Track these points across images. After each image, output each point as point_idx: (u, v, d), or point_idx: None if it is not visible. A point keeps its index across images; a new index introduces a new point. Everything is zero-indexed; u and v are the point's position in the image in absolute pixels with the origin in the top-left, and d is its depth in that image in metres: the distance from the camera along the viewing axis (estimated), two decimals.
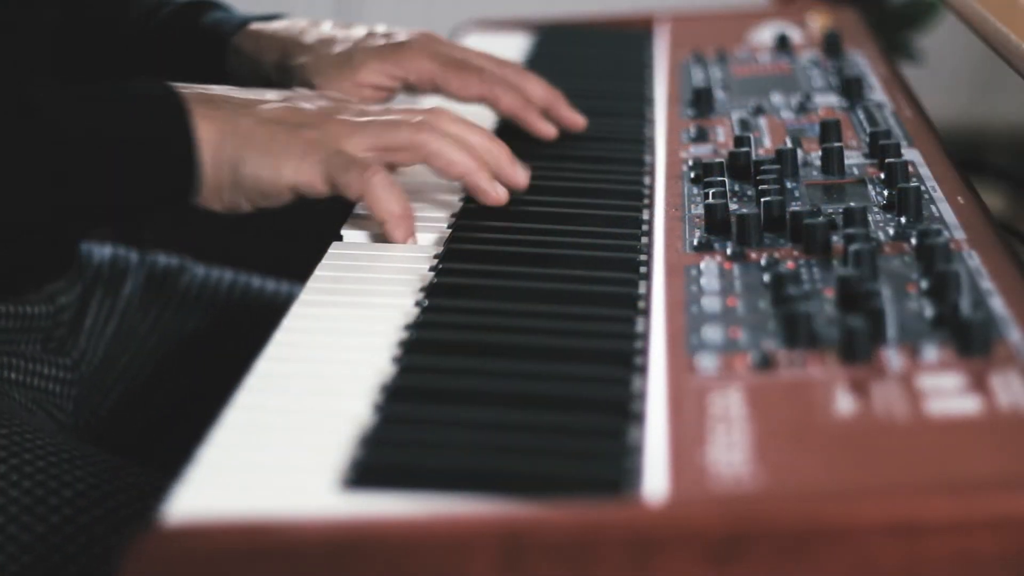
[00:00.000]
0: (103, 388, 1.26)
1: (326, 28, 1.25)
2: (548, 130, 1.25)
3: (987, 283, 0.87)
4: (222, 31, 1.26)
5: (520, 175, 1.10)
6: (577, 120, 1.26)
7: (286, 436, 0.78)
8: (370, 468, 0.74)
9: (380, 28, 1.26)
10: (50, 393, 1.20)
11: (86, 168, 0.98)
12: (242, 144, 1.01)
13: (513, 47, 1.59)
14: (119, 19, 1.30)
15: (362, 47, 1.23)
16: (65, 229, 1.06)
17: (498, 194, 1.08)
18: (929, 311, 0.84)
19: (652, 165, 1.20)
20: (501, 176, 1.09)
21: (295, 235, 1.39)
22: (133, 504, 1.00)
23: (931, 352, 0.79)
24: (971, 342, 0.79)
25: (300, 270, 1.03)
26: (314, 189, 1.02)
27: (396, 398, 0.82)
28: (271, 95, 1.06)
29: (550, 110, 1.25)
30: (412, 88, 1.24)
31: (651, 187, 1.14)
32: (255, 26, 1.26)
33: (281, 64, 1.23)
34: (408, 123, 1.05)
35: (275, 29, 1.26)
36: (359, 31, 1.25)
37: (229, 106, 1.03)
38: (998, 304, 0.84)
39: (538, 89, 1.25)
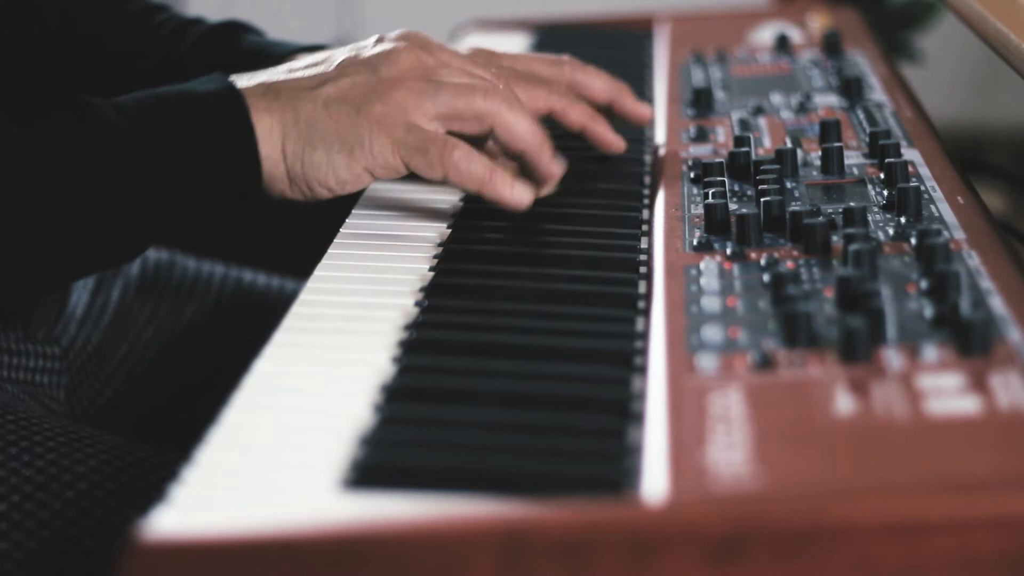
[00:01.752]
0: (101, 377, 1.25)
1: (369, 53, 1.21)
2: (617, 143, 1.18)
3: (987, 283, 0.87)
4: (260, 63, 1.19)
5: (557, 166, 1.07)
6: (644, 112, 1.22)
7: (285, 436, 0.78)
8: (370, 468, 0.74)
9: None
10: (38, 385, 1.19)
11: (148, 177, 0.97)
12: (307, 133, 0.99)
13: (513, 47, 1.59)
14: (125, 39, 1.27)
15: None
16: (136, 240, 1.01)
17: (553, 171, 1.06)
18: (929, 311, 0.84)
19: (652, 165, 1.20)
20: (543, 164, 1.06)
21: (286, 228, 1.39)
22: (146, 477, 1.00)
23: (931, 352, 0.79)
24: (971, 342, 0.79)
25: (291, 264, 1.02)
26: (393, 171, 1.01)
27: (396, 398, 0.82)
28: (334, 67, 1.03)
29: (614, 104, 1.21)
30: None
31: (651, 187, 1.14)
32: (295, 57, 1.19)
33: None
34: (481, 89, 1.03)
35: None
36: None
37: (290, 93, 1.00)
38: (998, 304, 0.84)
39: (600, 83, 1.21)
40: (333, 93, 1.00)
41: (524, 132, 1.04)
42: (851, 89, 1.27)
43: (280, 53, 1.21)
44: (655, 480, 0.71)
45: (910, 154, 1.11)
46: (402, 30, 1.07)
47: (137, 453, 1.02)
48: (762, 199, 0.99)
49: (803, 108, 1.25)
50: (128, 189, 0.97)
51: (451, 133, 1.04)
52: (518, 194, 1.03)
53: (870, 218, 0.98)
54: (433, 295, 0.95)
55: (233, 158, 0.99)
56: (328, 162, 1.00)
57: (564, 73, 1.19)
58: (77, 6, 1.27)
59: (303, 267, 1.01)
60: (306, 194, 1.01)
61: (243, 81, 1.01)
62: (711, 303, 0.88)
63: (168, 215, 1.00)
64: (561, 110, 1.16)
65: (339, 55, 1.04)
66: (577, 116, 1.16)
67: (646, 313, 0.91)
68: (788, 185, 1.06)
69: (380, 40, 1.06)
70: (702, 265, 0.94)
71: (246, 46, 1.23)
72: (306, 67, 1.03)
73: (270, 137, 0.99)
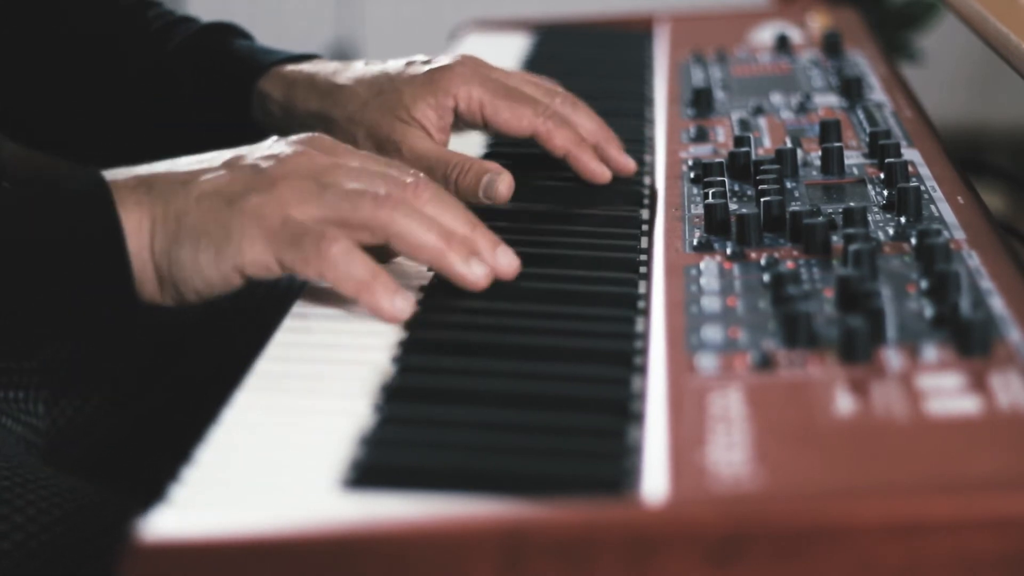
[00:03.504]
0: (89, 383, 1.22)
1: (359, 67, 1.17)
2: (602, 173, 1.13)
3: (987, 283, 0.87)
4: (247, 70, 1.18)
5: (504, 262, 0.94)
6: (629, 164, 1.15)
7: (286, 436, 0.78)
8: (370, 468, 0.74)
9: (419, 56, 1.16)
10: (12, 401, 1.16)
11: (8, 270, 0.90)
12: (174, 229, 0.90)
13: (513, 47, 1.59)
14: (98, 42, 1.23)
15: (406, 79, 1.13)
16: (12, 338, 0.93)
17: (475, 276, 0.92)
18: (929, 311, 0.84)
19: (652, 165, 1.20)
20: (481, 261, 0.94)
21: None
22: (84, 528, 0.97)
23: (931, 352, 0.79)
24: (971, 342, 0.79)
25: None
26: (265, 269, 0.90)
27: (396, 398, 0.82)
28: (218, 163, 0.93)
29: (598, 148, 1.15)
30: (460, 119, 1.14)
31: (651, 187, 1.14)
32: (284, 68, 1.18)
33: (322, 114, 1.14)
34: (372, 196, 0.91)
35: (307, 72, 1.17)
36: (397, 63, 1.16)
37: (163, 186, 0.91)
38: (998, 304, 0.84)
39: (589, 124, 1.15)
40: (208, 187, 0.91)
41: (422, 240, 0.91)
42: (851, 89, 1.27)
43: (268, 62, 1.18)
44: (655, 480, 0.71)
45: (910, 154, 1.11)
46: (307, 134, 0.97)
47: (81, 499, 0.99)
48: (762, 199, 0.99)
49: (803, 108, 1.25)
50: None
51: None
52: (398, 307, 0.90)
53: (870, 218, 0.98)
54: (433, 295, 0.95)
55: (98, 255, 0.90)
56: (194, 260, 0.90)
57: (553, 103, 1.14)
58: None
59: None
60: (176, 298, 0.92)
61: (116, 174, 0.92)
62: (711, 303, 0.88)
63: (37, 315, 0.91)
64: (545, 132, 1.12)
65: (228, 153, 0.94)
66: (561, 141, 1.12)
67: (646, 313, 0.91)
68: (788, 185, 1.06)
69: (278, 141, 0.96)
70: (702, 265, 0.94)
71: (233, 49, 1.20)
72: (190, 162, 0.94)
73: (139, 233, 0.90)
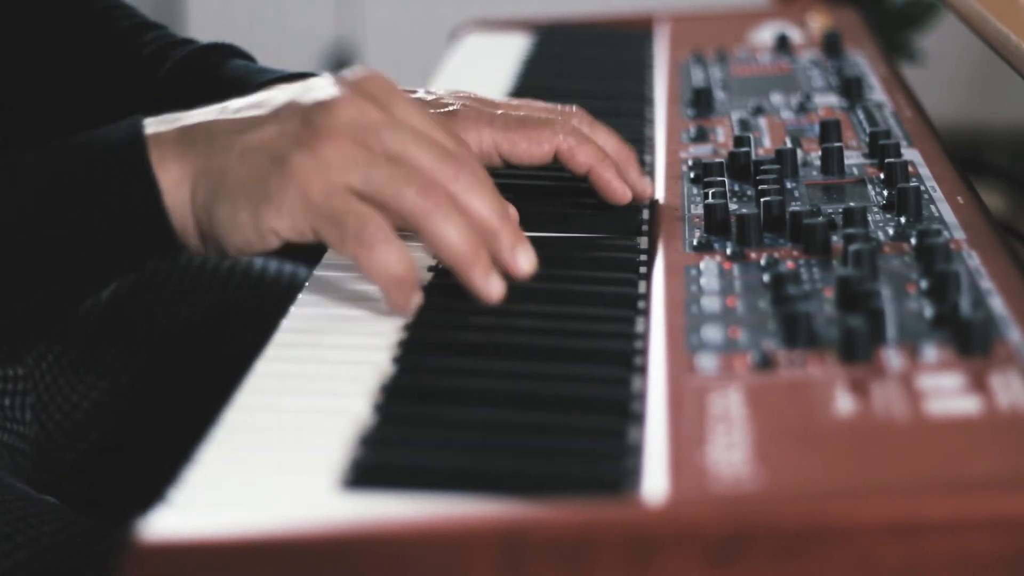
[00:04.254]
0: (80, 388, 1.21)
1: None
2: (624, 193, 1.08)
3: (987, 283, 0.87)
4: (236, 92, 1.11)
5: (522, 262, 0.92)
6: (648, 189, 1.10)
7: (285, 436, 0.78)
8: (370, 468, 0.74)
9: (419, 92, 1.11)
10: None
11: (48, 237, 0.90)
12: (215, 185, 0.88)
13: (513, 47, 1.59)
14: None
15: None
16: (51, 305, 0.93)
17: (492, 292, 0.91)
18: (929, 311, 0.84)
19: (652, 165, 1.20)
20: (499, 262, 0.92)
21: None
22: (44, 556, 0.96)
23: (931, 352, 0.79)
24: (971, 342, 0.79)
25: (303, 250, 0.97)
26: (300, 236, 0.89)
27: (396, 398, 0.82)
28: (267, 111, 0.91)
29: (618, 168, 1.09)
30: None
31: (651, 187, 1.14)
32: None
33: None
34: (418, 186, 0.89)
35: None
36: None
37: (208, 138, 0.90)
38: (998, 304, 0.84)
39: (610, 142, 1.10)
40: (253, 142, 0.89)
41: (453, 245, 0.89)
42: (851, 89, 1.27)
43: (257, 82, 1.14)
44: (655, 480, 0.71)
45: (910, 154, 1.11)
46: (361, 73, 0.93)
47: (45, 526, 0.98)
48: (762, 199, 0.99)
49: (803, 108, 1.25)
50: (35, 235, 0.90)
51: None
52: (412, 307, 0.90)
53: (870, 218, 0.98)
54: (433, 295, 0.95)
55: (133, 210, 0.90)
56: (232, 218, 0.88)
57: (571, 121, 1.09)
58: (63, 18, 1.22)
59: (315, 255, 1.00)
60: (218, 251, 0.91)
61: (160, 125, 0.91)
62: (711, 303, 0.88)
63: (75, 270, 0.92)
64: (568, 150, 1.07)
65: (281, 96, 0.92)
66: (584, 157, 1.07)
67: (646, 313, 0.91)
68: (788, 185, 1.06)
69: (330, 81, 0.93)
70: (702, 265, 0.94)
71: (225, 71, 1.17)
72: (239, 108, 0.92)
73: (178, 188, 0.89)
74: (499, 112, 1.08)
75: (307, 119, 0.89)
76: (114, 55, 1.22)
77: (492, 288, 0.91)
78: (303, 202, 0.87)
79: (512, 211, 0.96)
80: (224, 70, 1.17)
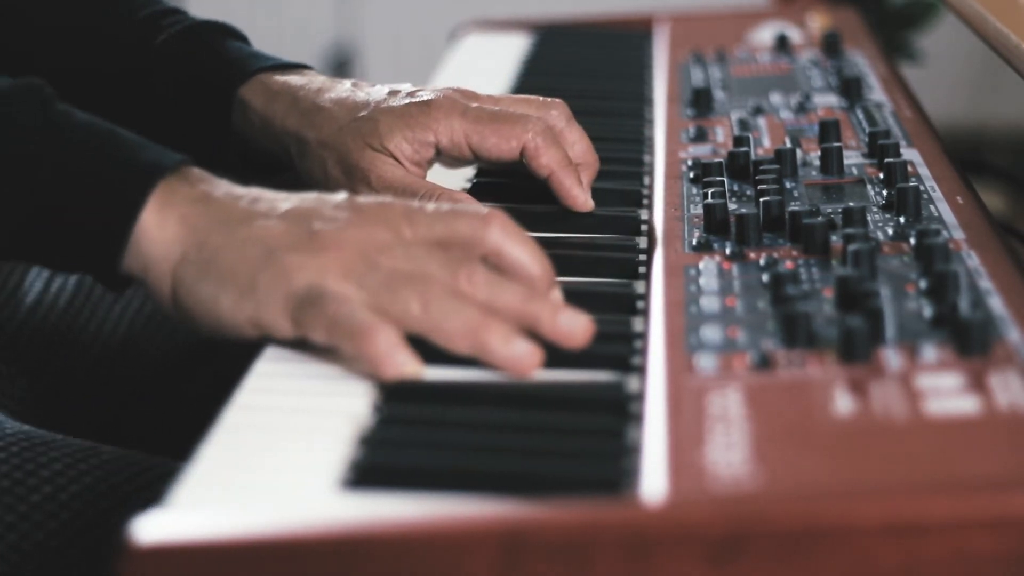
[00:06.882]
0: (70, 359, 1.21)
1: (345, 88, 1.12)
2: (584, 201, 1.07)
3: (986, 283, 0.87)
4: (229, 76, 1.14)
5: (565, 325, 0.86)
6: (588, 203, 1.08)
7: (285, 437, 0.78)
8: (370, 469, 0.74)
9: (405, 87, 1.11)
10: None
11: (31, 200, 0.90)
12: (206, 263, 0.87)
13: (513, 47, 1.59)
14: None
15: (385, 109, 1.08)
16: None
17: (516, 357, 0.84)
18: (928, 311, 0.84)
19: (651, 165, 1.20)
20: (543, 336, 0.86)
21: None
22: (110, 479, 0.97)
23: (930, 352, 0.79)
24: (970, 342, 0.79)
25: None
26: (278, 330, 0.86)
27: (396, 398, 0.82)
28: (285, 208, 0.89)
29: (578, 175, 1.08)
30: (446, 154, 1.09)
31: (650, 187, 1.14)
32: (268, 78, 1.14)
33: (298, 135, 1.11)
34: (418, 296, 0.85)
35: (292, 86, 1.13)
36: (380, 91, 1.11)
37: (218, 216, 0.89)
38: (997, 304, 0.84)
39: (579, 144, 1.10)
40: (257, 234, 0.87)
41: (455, 341, 0.85)
42: (851, 89, 1.27)
43: (252, 68, 1.14)
44: (654, 480, 0.71)
45: (910, 154, 1.11)
46: (380, 200, 0.91)
47: (102, 455, 0.99)
48: (761, 199, 0.99)
49: (803, 108, 1.25)
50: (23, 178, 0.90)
51: None
52: (409, 371, 0.83)
53: (869, 218, 0.98)
54: None
55: (100, 226, 0.89)
56: (214, 299, 0.87)
57: (548, 116, 1.09)
58: None
59: None
60: (183, 320, 0.90)
61: (187, 178, 0.91)
62: (710, 303, 0.88)
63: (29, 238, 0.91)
64: (534, 149, 1.06)
65: (296, 202, 0.90)
66: (548, 160, 1.06)
67: (645, 313, 0.91)
68: (787, 185, 1.06)
69: (347, 200, 0.90)
70: (701, 265, 0.94)
71: (220, 52, 1.17)
72: (254, 199, 0.90)
73: (169, 246, 0.89)
74: (474, 104, 1.08)
75: (313, 229, 0.88)
76: (105, 19, 1.21)
77: (516, 351, 0.84)
78: (285, 294, 0.85)
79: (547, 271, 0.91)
80: (219, 50, 1.16)
